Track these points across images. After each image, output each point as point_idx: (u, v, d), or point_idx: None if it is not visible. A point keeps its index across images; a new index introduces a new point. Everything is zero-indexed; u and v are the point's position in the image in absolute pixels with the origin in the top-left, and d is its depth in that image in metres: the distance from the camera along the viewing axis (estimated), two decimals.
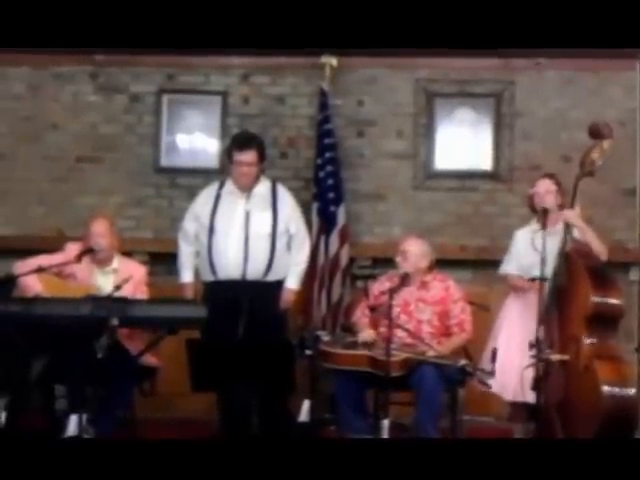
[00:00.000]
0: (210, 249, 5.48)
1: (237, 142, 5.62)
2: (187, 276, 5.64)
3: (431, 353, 5.12)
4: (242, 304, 5.15)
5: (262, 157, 5.56)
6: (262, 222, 5.46)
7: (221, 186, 5.62)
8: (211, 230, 5.49)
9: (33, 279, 5.17)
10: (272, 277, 5.47)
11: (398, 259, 5.45)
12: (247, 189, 5.50)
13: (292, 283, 5.58)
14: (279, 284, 5.53)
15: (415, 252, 5.46)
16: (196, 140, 7.12)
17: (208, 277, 5.53)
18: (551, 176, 5.51)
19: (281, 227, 5.52)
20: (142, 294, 5.36)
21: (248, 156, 5.48)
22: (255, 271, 5.38)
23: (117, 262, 5.47)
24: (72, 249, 5.38)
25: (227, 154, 5.67)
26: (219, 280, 5.46)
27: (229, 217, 5.48)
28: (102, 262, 5.41)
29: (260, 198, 5.53)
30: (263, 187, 5.58)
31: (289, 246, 5.58)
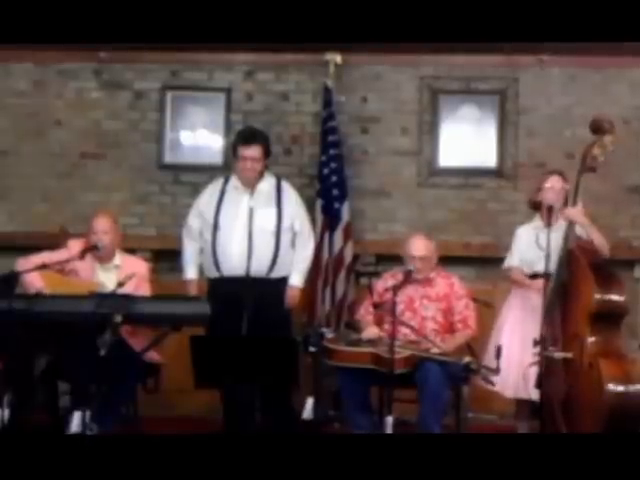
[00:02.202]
0: (214, 245, 5.48)
1: (243, 137, 5.63)
2: (191, 273, 5.64)
3: (435, 350, 5.11)
4: (246, 301, 5.14)
5: (267, 152, 5.57)
6: (266, 218, 5.45)
7: (225, 182, 5.62)
8: (215, 227, 5.49)
9: (35, 275, 5.16)
10: (276, 274, 5.47)
11: (415, 266, 5.40)
12: (251, 184, 5.49)
13: (297, 281, 5.57)
14: (283, 281, 5.52)
15: (431, 256, 5.45)
16: (200, 137, 7.11)
17: (212, 273, 5.53)
18: (560, 173, 5.51)
19: (285, 224, 5.52)
20: (144, 290, 5.36)
21: (253, 151, 5.48)
22: (259, 268, 5.37)
23: (119, 259, 5.46)
24: (74, 246, 5.38)
25: (232, 149, 5.67)
26: (223, 277, 5.46)
27: (233, 213, 5.47)
28: (104, 259, 5.41)
29: (264, 195, 5.52)
30: (267, 184, 5.58)
31: (293, 243, 5.58)
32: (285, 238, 5.51)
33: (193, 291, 5.58)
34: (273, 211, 5.50)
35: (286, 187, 5.64)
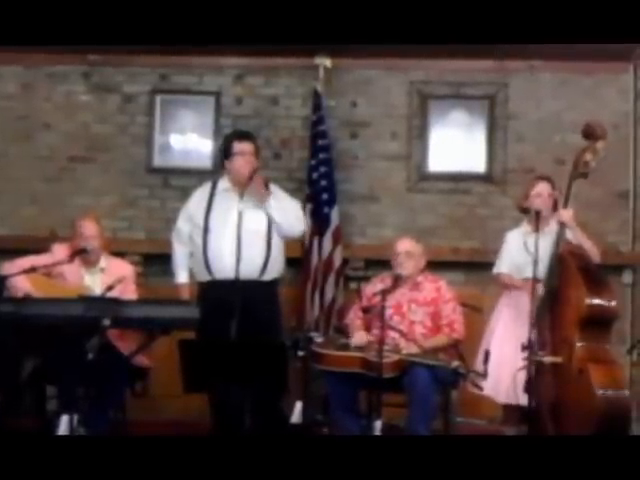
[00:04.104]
0: (205, 249, 5.44)
1: (236, 134, 5.69)
2: (182, 277, 5.61)
3: (412, 350, 5.13)
4: (235, 304, 5.12)
5: (258, 152, 5.57)
6: (257, 221, 5.43)
7: (214, 186, 5.60)
8: (206, 230, 5.46)
9: (21, 279, 5.13)
10: (267, 276, 5.44)
11: (399, 262, 5.42)
12: (243, 184, 5.42)
13: None
14: (274, 283, 5.50)
15: (416, 255, 5.46)
16: (189, 140, 7.11)
17: (203, 277, 5.50)
18: (548, 179, 5.51)
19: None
20: (131, 293, 5.35)
21: (248, 146, 5.48)
22: (251, 270, 5.33)
23: (104, 262, 5.45)
24: (59, 249, 5.36)
25: (224, 151, 5.57)
26: (214, 280, 5.44)
27: (223, 217, 5.44)
28: (90, 262, 5.40)
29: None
30: None
31: (284, 245, 5.56)
32: (276, 240, 5.49)
33: (185, 295, 5.55)
34: (263, 213, 5.48)
35: (273, 188, 5.61)
